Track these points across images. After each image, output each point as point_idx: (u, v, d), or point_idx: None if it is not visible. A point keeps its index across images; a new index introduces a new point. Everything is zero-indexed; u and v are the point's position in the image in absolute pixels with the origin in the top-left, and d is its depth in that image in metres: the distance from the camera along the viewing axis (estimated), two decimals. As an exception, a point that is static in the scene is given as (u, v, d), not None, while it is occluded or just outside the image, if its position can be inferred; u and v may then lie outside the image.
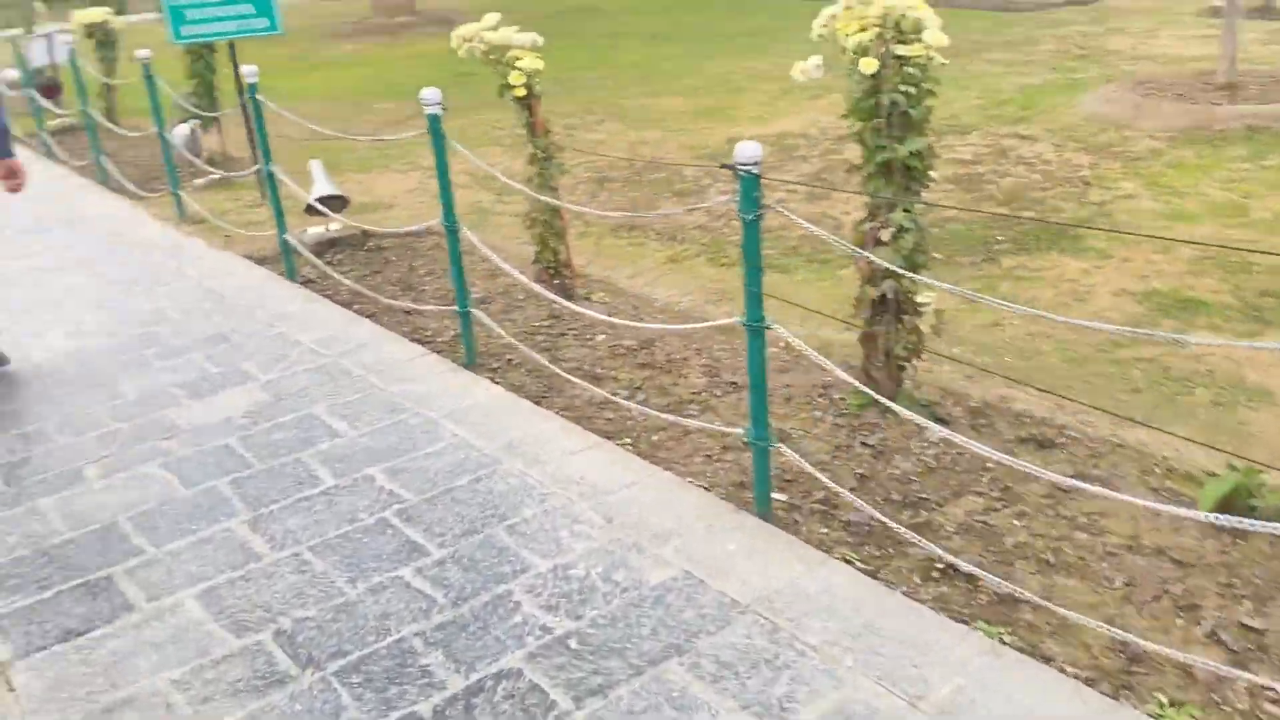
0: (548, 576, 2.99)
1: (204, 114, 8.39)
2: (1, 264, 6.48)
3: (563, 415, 4.01)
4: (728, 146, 8.63)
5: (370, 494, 3.52)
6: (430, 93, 4.15)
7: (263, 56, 14.91)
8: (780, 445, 3.21)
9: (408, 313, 5.19)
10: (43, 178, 8.93)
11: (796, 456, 3.20)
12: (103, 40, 10.70)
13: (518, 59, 4.75)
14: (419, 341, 4.87)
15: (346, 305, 5.41)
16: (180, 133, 8.30)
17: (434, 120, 4.16)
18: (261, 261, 6.19)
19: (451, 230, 4.33)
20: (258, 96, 5.56)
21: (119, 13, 22.27)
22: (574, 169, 7.49)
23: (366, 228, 5.94)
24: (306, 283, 5.80)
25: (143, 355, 4.90)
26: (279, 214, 5.81)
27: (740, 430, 3.29)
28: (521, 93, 4.80)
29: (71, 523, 3.49)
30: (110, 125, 9.03)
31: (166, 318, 5.37)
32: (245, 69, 5.74)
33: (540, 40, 4.77)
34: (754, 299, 3.00)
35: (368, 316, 5.23)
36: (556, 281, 5.23)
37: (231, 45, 7.34)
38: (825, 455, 3.64)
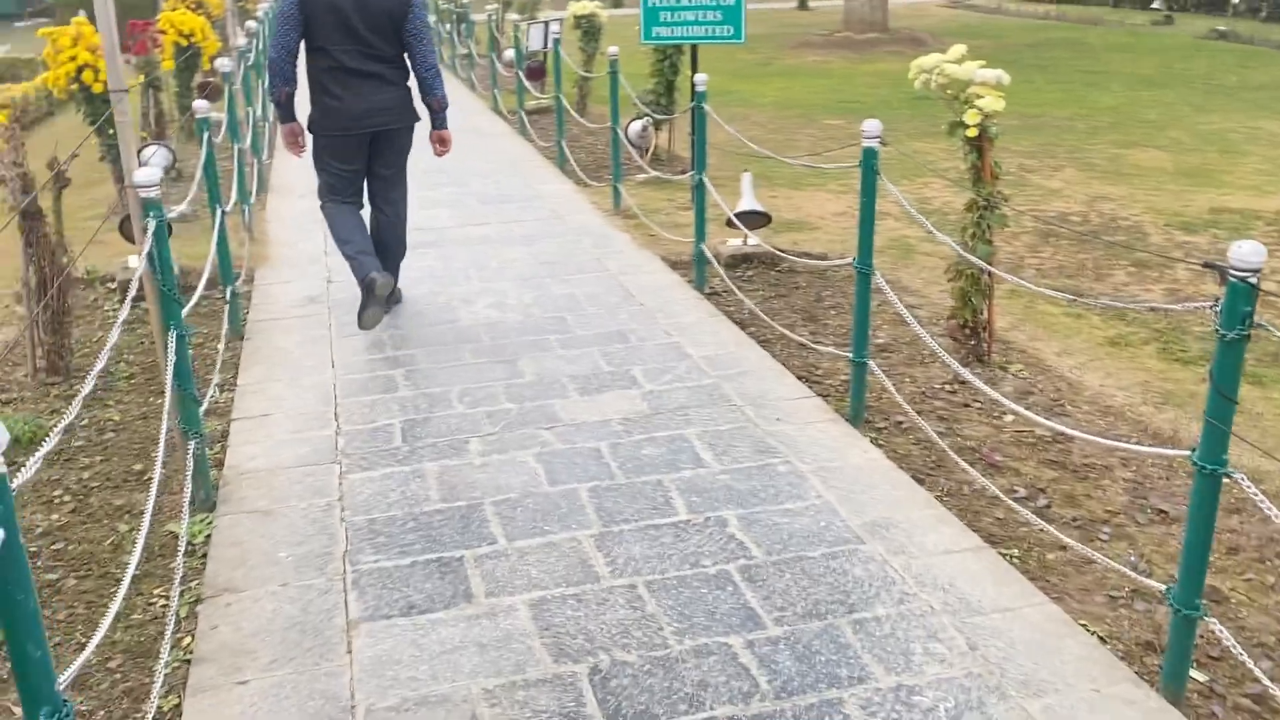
0: (887, 695, 2.60)
1: (656, 115, 8.72)
2: (460, 230, 7.11)
3: (944, 502, 3.56)
4: (1210, 217, 7.51)
5: (719, 539, 3.32)
6: (871, 124, 3.84)
7: (729, 60, 15.41)
8: (1211, 618, 2.55)
9: (802, 345, 4.95)
10: (512, 154, 9.80)
11: (1229, 636, 2.53)
12: (587, 30, 11.52)
13: (977, 96, 4.31)
14: (806, 380, 4.61)
15: (743, 325, 5.28)
16: (634, 128, 8.69)
17: (869, 155, 3.85)
18: (675, 266, 6.26)
19: (864, 273, 4.00)
20: (704, 106, 5.58)
21: (616, 5, 24.21)
22: (1019, 217, 6.84)
23: (778, 250, 5.76)
24: (711, 295, 5.75)
25: (547, 339, 5.09)
26: (700, 223, 5.81)
27: (1162, 587, 2.66)
28: (974, 133, 4.36)
29: (445, 494, 3.64)
30: (575, 114, 9.69)
31: (578, 306, 5.56)
32: (697, 77, 5.78)
33: (1006, 78, 4.29)
34: (1217, 436, 2.38)
35: (761, 342, 5.06)
36: (972, 343, 4.73)
37: (694, 49, 7.51)
38: (1271, 637, 2.88)
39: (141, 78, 8.97)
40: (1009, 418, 4.21)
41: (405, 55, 4.97)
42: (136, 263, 6.01)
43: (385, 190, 5.22)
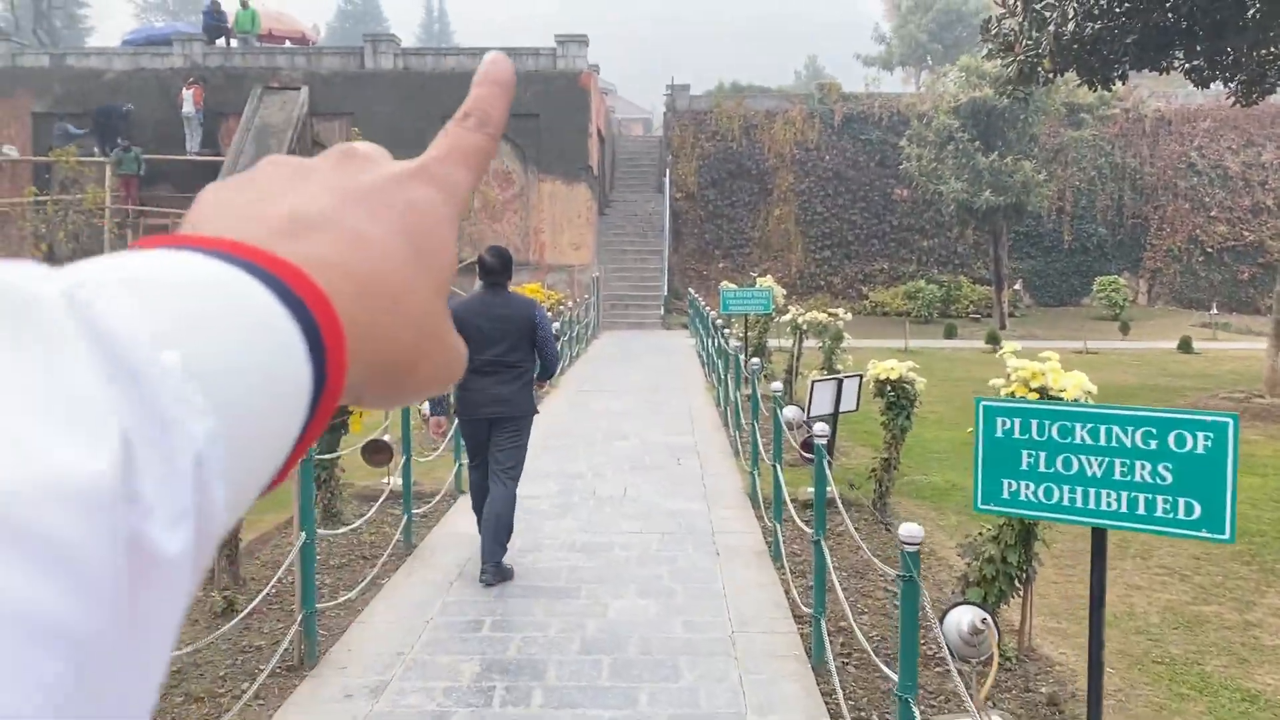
0: None
1: (993, 594, 4.64)
2: None
3: None
4: None
5: None
6: None
7: None
8: None
9: None
10: (741, 609, 5.92)
11: None
12: (894, 403, 7.82)
13: None
14: None
15: None
16: (954, 624, 4.64)
17: None
18: None
19: None
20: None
21: (949, 335, 20.53)
22: None
23: None
24: None
25: None
26: None
27: None
28: None
29: None
30: (868, 516, 5.78)
31: None
32: None
33: None
34: None
35: None
36: None
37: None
38: None
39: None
40: None
41: (534, 353, 6.42)
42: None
43: (498, 465, 6.31)
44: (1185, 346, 21.77)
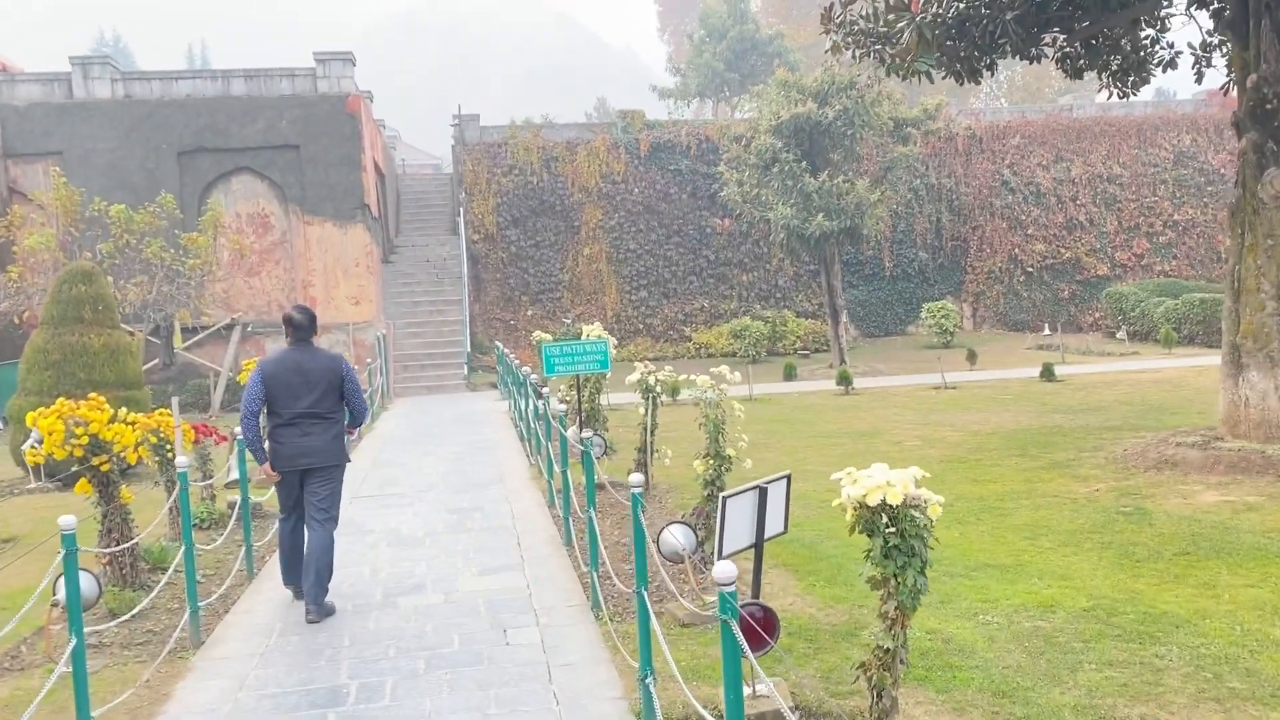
0: None
1: None
2: None
3: None
4: None
5: None
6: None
7: (1057, 513, 7.02)
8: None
9: None
10: None
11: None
12: (891, 553, 4.36)
13: None
14: None
15: None
16: None
17: None
18: None
19: None
20: None
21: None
22: None
23: None
24: None
25: None
26: None
27: None
28: None
29: None
30: None
31: None
32: None
33: None
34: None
35: None
36: None
37: None
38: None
39: None
40: None
41: (343, 403, 6.88)
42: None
43: (314, 510, 6.73)
44: (1048, 374, 19.74)
